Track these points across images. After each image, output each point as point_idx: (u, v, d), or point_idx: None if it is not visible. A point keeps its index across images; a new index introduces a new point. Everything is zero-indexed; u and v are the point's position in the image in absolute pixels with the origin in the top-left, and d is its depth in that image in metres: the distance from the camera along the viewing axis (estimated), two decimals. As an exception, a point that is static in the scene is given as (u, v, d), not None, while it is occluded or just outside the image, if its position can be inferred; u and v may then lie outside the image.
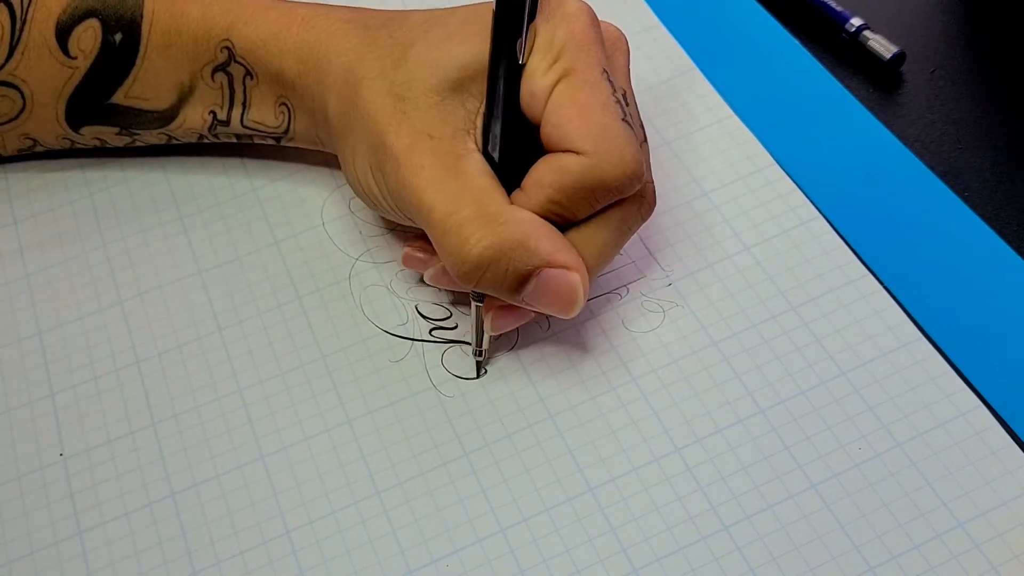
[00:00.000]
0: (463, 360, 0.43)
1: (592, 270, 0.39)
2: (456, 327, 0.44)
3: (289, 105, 0.45)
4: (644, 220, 0.41)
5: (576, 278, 0.38)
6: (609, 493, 0.39)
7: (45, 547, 0.40)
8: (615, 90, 0.39)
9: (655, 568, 0.38)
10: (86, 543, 0.40)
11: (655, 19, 0.52)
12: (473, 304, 0.41)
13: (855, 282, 0.43)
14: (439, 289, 0.44)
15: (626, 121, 0.38)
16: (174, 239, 0.48)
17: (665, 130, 0.49)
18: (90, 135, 0.47)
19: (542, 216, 0.39)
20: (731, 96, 0.49)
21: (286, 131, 0.46)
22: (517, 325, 0.42)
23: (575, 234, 0.39)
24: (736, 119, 0.49)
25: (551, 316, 0.43)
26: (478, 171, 0.39)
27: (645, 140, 0.41)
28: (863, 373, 0.41)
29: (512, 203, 0.39)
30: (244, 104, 0.45)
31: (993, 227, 0.45)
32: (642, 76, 0.50)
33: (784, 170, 0.47)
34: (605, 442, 0.40)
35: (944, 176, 0.47)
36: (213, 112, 0.46)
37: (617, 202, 0.39)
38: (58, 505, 0.41)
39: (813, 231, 0.45)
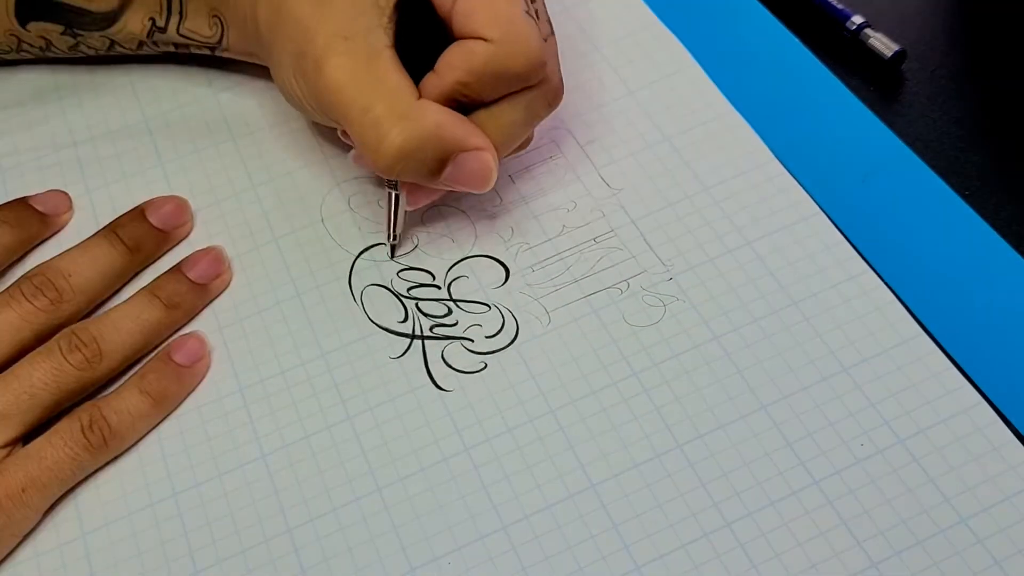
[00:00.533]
0: (464, 355, 0.43)
1: (500, 149, 0.42)
2: (456, 324, 0.44)
3: (221, 18, 0.47)
4: (551, 108, 0.43)
5: (488, 157, 0.41)
6: (611, 489, 0.39)
7: (49, 550, 0.40)
8: None
9: (657, 565, 0.38)
10: (89, 544, 0.40)
11: (654, 17, 0.52)
12: (388, 191, 0.44)
13: (856, 278, 0.43)
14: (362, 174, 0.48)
15: (529, 14, 0.41)
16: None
17: (666, 126, 0.49)
18: (36, 32, 0.49)
19: (452, 98, 0.41)
20: (732, 94, 0.49)
21: (219, 41, 0.49)
22: (431, 200, 0.45)
23: (484, 114, 0.42)
24: (737, 115, 0.49)
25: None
26: (391, 68, 0.40)
27: (552, 34, 0.44)
28: (865, 369, 0.41)
29: (424, 85, 0.41)
30: (180, 14, 0.48)
31: (993, 226, 0.45)
32: (643, 73, 0.51)
33: (785, 167, 0.47)
34: (607, 437, 0.40)
35: (944, 175, 0.47)
36: (152, 19, 0.48)
37: (523, 88, 0.42)
38: (61, 507, 0.41)
39: (814, 227, 0.45)
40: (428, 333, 0.44)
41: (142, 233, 0.46)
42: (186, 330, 0.44)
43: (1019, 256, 0.44)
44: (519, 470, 0.40)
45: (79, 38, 0.49)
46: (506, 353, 0.43)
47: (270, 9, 0.43)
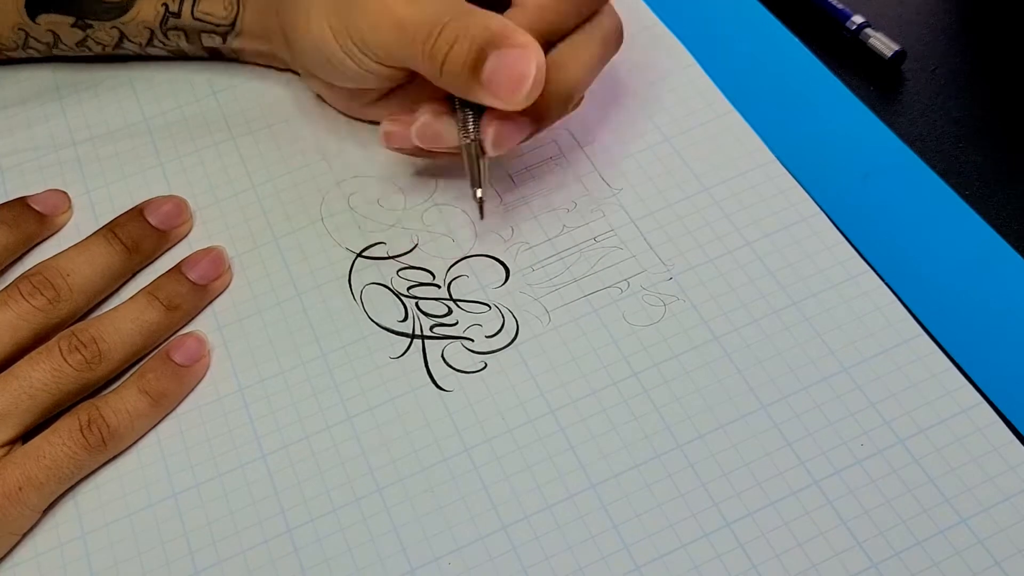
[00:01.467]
0: (464, 355, 0.43)
1: (579, 84, 0.43)
2: (456, 323, 0.44)
3: None
4: (619, 43, 0.45)
5: (532, 58, 0.39)
6: (611, 489, 0.39)
7: (49, 550, 0.40)
8: None
9: (657, 565, 0.38)
10: (89, 544, 0.40)
11: (654, 17, 0.52)
12: (465, 143, 0.42)
13: (856, 278, 0.43)
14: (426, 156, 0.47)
15: None
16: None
17: (666, 126, 0.49)
18: (45, 25, 0.49)
19: (534, 29, 0.41)
20: (732, 93, 0.49)
21: (233, 23, 0.48)
22: (516, 139, 0.42)
23: (567, 50, 0.43)
24: (737, 115, 0.49)
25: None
26: None
27: None
28: (865, 369, 0.41)
29: (507, 19, 0.41)
30: None
31: (993, 225, 0.45)
32: (643, 72, 0.51)
33: (785, 167, 0.47)
34: (607, 438, 0.40)
35: (944, 175, 0.47)
36: (165, 4, 0.48)
37: (596, 23, 0.43)
38: (61, 507, 0.41)
39: (814, 227, 0.45)
40: (428, 333, 0.44)
41: (141, 232, 0.46)
42: (186, 330, 0.44)
43: (1019, 256, 0.44)
44: (519, 470, 0.40)
45: (88, 31, 0.49)
46: (506, 353, 0.43)
47: None
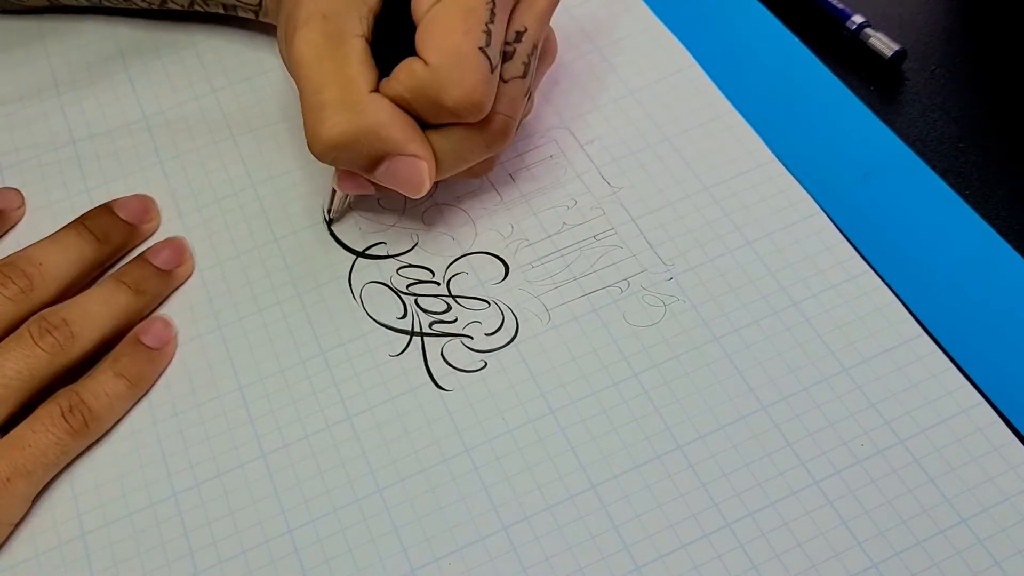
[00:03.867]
0: (463, 353, 0.43)
1: (437, 169, 0.42)
2: (456, 320, 0.44)
3: None
4: (490, 150, 0.42)
5: (423, 166, 0.41)
6: (611, 490, 0.39)
7: (48, 550, 0.40)
8: (492, 20, 0.40)
9: (658, 565, 0.38)
10: (89, 544, 0.40)
11: (654, 18, 0.52)
12: (334, 169, 0.44)
13: (856, 278, 0.43)
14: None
15: (484, 52, 0.40)
16: (174, 237, 0.48)
17: (666, 126, 0.49)
18: None
19: (400, 106, 0.41)
20: (732, 93, 0.49)
21: (260, 2, 0.50)
22: (362, 191, 0.44)
23: (428, 132, 0.41)
24: (737, 115, 0.49)
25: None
26: (356, 57, 0.41)
27: (523, 76, 0.42)
28: (865, 369, 0.41)
29: (381, 86, 0.41)
30: None
31: (993, 225, 0.45)
32: (643, 73, 0.50)
33: (785, 167, 0.47)
34: (607, 439, 0.40)
35: (944, 174, 0.47)
36: None
37: (461, 123, 0.41)
38: (61, 507, 0.41)
39: (814, 227, 0.45)
40: (427, 330, 0.44)
41: (110, 225, 0.46)
42: (184, 329, 0.45)
43: (1019, 256, 0.44)
44: (520, 471, 0.40)
45: None
46: (506, 352, 0.43)
47: None
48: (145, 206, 0.47)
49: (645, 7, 0.53)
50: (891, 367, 0.41)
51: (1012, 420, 0.40)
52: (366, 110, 0.40)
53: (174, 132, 0.51)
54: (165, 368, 0.44)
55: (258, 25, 0.53)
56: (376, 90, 0.41)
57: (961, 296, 0.43)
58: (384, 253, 0.46)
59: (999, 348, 0.42)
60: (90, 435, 0.41)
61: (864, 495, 0.38)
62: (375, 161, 0.41)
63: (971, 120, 0.50)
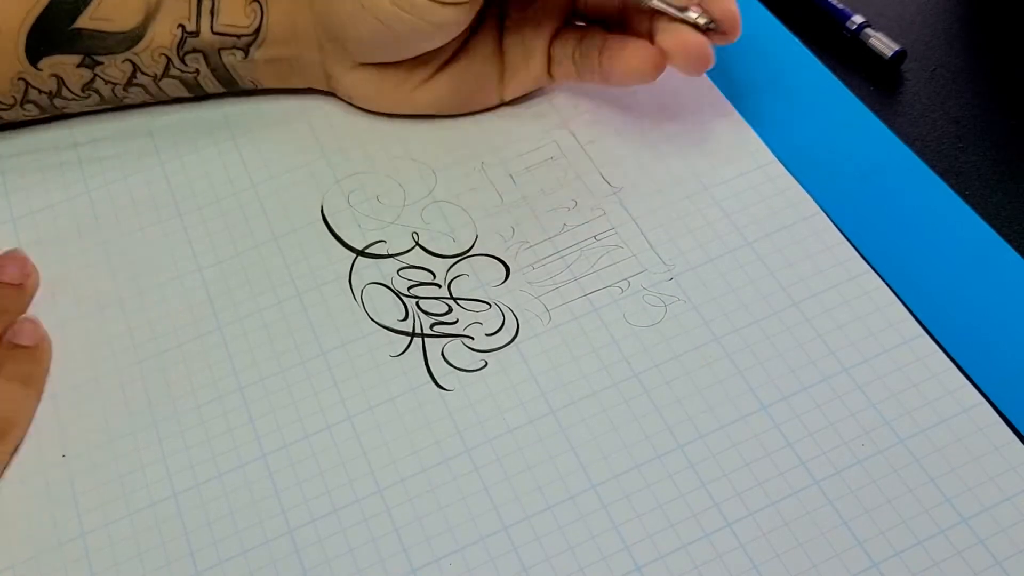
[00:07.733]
0: (464, 353, 0.43)
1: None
2: (456, 322, 0.44)
3: (260, 0, 0.46)
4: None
5: None
6: (611, 490, 0.39)
7: (48, 549, 0.40)
8: None
9: (658, 565, 0.38)
10: (89, 544, 0.40)
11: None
12: None
13: (857, 278, 0.43)
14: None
15: None
16: (173, 237, 0.48)
17: (666, 125, 0.49)
18: (48, 70, 0.47)
19: None
20: (732, 93, 0.49)
21: (257, 30, 0.46)
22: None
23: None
24: (737, 115, 0.49)
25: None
26: None
27: None
28: (865, 369, 0.41)
29: None
30: (212, 11, 0.46)
31: (993, 226, 0.45)
32: (643, 73, 0.51)
33: (785, 167, 0.47)
34: (607, 438, 0.40)
35: (944, 175, 0.47)
36: (182, 26, 0.46)
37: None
38: (61, 507, 0.41)
39: (815, 227, 0.45)
40: (428, 331, 0.44)
41: (3, 296, 0.45)
42: (184, 329, 0.44)
43: (1019, 256, 0.44)
44: (520, 471, 0.40)
45: (97, 68, 0.47)
46: (506, 351, 0.43)
47: None
48: (21, 262, 0.46)
49: (645, 7, 0.53)
50: (891, 367, 0.41)
51: (1012, 420, 0.40)
52: None
53: (175, 134, 0.51)
54: (48, 363, 0.44)
55: None
56: None
57: (961, 296, 0.43)
58: (384, 252, 0.46)
59: (999, 348, 0.42)
60: (9, 442, 0.42)
61: (864, 495, 0.38)
62: None
63: (971, 120, 0.50)
